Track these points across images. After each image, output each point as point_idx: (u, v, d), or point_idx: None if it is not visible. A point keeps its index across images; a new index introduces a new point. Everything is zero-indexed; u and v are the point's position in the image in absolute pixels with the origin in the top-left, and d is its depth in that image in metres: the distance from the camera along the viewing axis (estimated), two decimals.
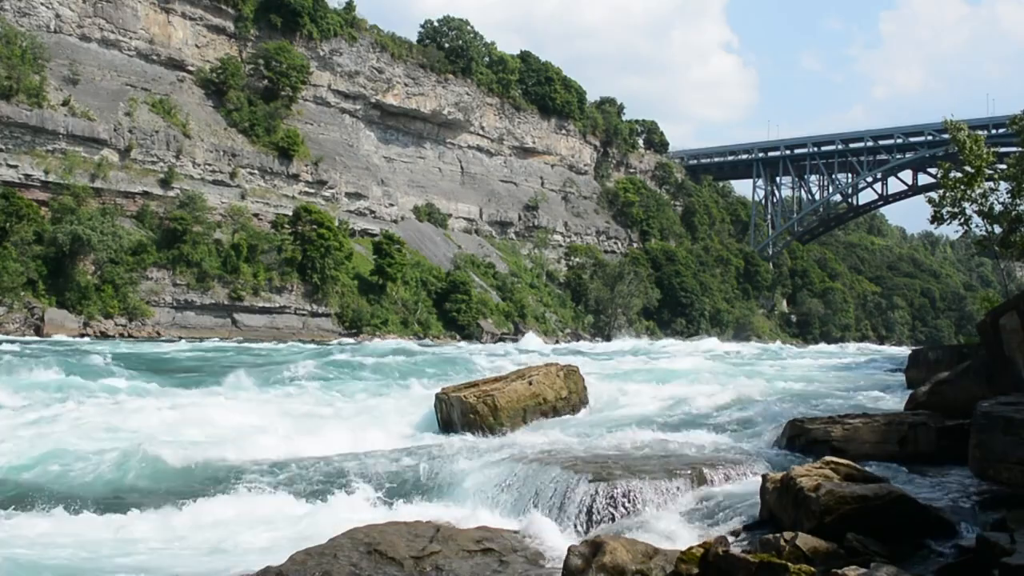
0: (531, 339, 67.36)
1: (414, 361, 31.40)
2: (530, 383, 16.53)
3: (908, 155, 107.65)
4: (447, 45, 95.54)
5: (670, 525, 8.63)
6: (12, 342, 38.86)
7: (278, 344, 50.75)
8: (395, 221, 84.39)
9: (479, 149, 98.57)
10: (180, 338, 54.08)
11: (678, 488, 9.58)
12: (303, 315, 67.23)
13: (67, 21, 64.66)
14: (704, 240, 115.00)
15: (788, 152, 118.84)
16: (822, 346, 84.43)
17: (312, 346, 49.66)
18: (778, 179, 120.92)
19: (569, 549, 7.33)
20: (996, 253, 28.41)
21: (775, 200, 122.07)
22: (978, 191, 26.39)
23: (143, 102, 66.26)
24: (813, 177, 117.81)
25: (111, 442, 13.99)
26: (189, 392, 20.76)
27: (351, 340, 62.19)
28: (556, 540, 8.75)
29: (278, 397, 20.79)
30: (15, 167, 55.63)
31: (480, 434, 15.12)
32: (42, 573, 8.04)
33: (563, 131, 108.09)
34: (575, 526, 9.19)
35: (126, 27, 68.28)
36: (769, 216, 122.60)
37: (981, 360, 13.01)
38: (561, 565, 7.33)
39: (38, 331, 49.77)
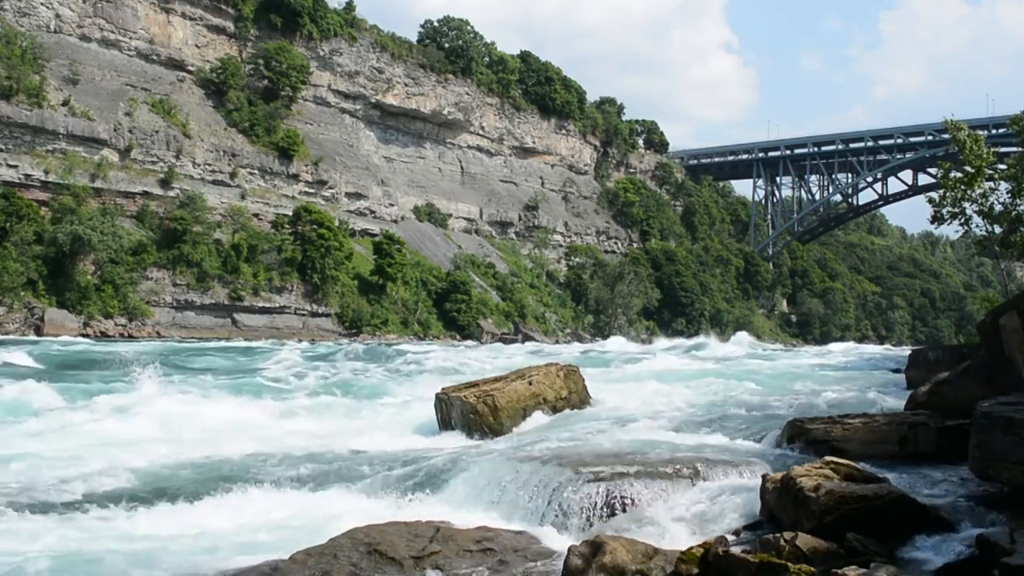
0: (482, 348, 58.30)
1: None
2: (530, 383, 16.52)
3: (908, 155, 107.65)
4: (447, 45, 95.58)
5: (670, 525, 8.62)
6: (12, 343, 38.87)
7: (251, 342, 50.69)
8: (395, 221, 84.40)
9: (479, 149, 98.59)
10: (182, 338, 54.18)
11: (678, 488, 9.57)
12: (303, 315, 67.25)
13: (67, 21, 64.67)
14: (704, 240, 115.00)
15: (788, 152, 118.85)
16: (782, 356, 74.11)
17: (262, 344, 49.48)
18: (778, 179, 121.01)
19: (569, 549, 7.33)
20: (996, 253, 28.42)
21: (775, 200, 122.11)
22: (978, 191, 26.38)
23: (143, 102, 66.27)
24: (813, 177, 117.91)
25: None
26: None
27: (347, 340, 62.19)
28: (556, 540, 8.75)
29: (270, 396, 20.76)
30: (15, 167, 55.65)
31: (480, 434, 15.11)
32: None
33: (563, 131, 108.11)
34: (575, 526, 9.18)
35: (126, 27, 68.30)
36: (769, 216, 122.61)
37: (981, 360, 13.01)
38: (561, 565, 7.33)
39: (38, 331, 49.79)
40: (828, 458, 8.74)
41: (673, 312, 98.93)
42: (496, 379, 17.03)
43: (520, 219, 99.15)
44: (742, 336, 70.30)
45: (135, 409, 17.66)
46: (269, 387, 23.20)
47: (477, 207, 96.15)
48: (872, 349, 70.40)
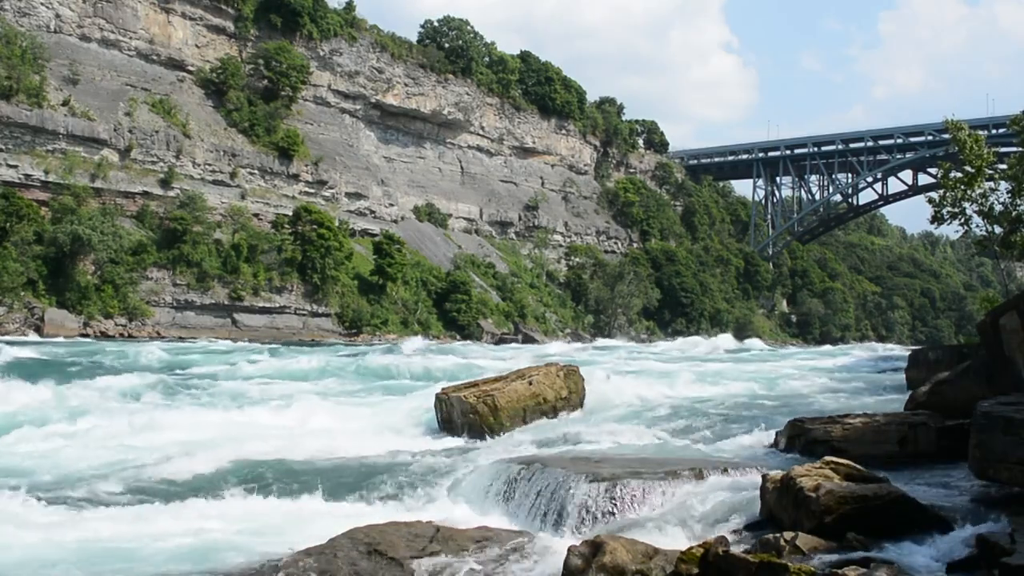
0: (414, 342, 52.37)
1: None
2: (530, 383, 16.53)
3: (908, 155, 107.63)
4: (447, 45, 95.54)
5: (670, 525, 8.62)
6: (12, 343, 38.83)
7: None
8: (395, 221, 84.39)
9: (479, 149, 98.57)
10: (180, 338, 54.18)
11: (678, 488, 9.57)
12: (303, 315, 67.25)
13: (67, 21, 64.65)
14: (704, 240, 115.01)
15: (788, 152, 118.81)
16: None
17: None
18: (778, 179, 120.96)
19: (569, 549, 7.33)
20: (996, 253, 28.39)
21: (775, 200, 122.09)
22: (978, 191, 26.34)
23: (143, 102, 66.25)
24: (813, 177, 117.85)
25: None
26: None
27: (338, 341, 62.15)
28: (556, 540, 8.75)
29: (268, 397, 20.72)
30: (15, 167, 55.60)
31: (480, 434, 15.11)
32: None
33: (563, 131, 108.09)
34: (575, 526, 9.19)
35: (126, 27, 68.28)
36: (769, 216, 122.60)
37: (981, 360, 13.02)
38: (561, 565, 7.33)
39: (38, 331, 49.76)
40: (828, 458, 8.74)
41: (673, 312, 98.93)
42: (496, 379, 17.04)
43: (520, 219, 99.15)
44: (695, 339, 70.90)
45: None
46: (267, 388, 23.18)
47: (477, 207, 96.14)
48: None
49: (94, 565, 8.34)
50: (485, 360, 33.18)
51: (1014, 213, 26.33)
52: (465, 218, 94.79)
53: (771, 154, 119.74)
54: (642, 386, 21.23)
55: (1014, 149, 39.54)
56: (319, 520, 9.91)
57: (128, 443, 14.45)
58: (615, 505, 9.27)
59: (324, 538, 8.43)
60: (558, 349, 51.73)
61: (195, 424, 16.35)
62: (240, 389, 22.30)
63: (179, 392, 21.57)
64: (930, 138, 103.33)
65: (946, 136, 50.42)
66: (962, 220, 27.13)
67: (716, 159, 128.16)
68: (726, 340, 66.11)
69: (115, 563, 8.48)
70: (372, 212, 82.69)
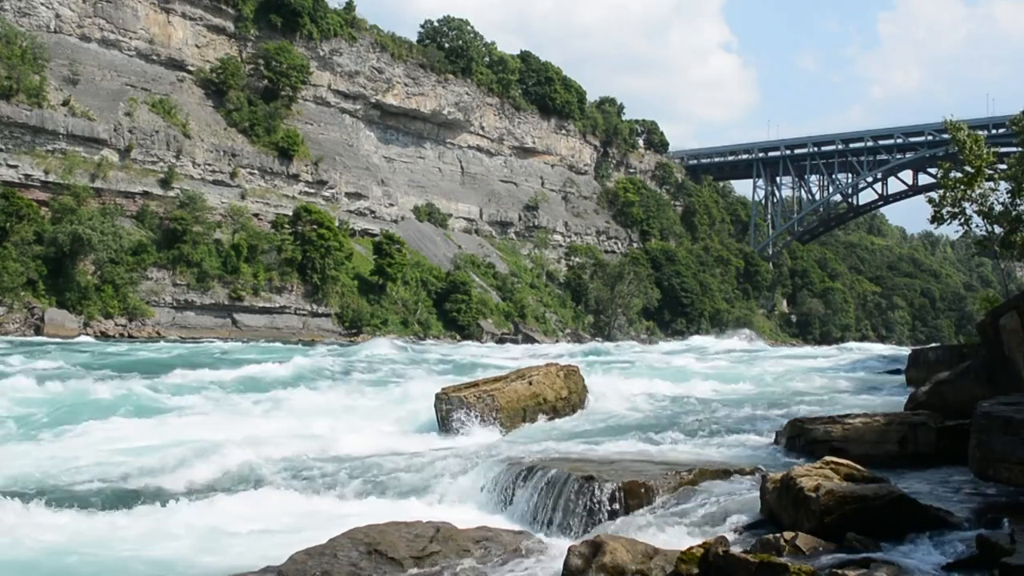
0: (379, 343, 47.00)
1: None
2: (530, 383, 16.52)
3: (908, 155, 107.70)
4: (447, 45, 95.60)
5: (670, 525, 8.62)
6: (12, 343, 38.86)
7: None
8: (395, 221, 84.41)
9: (479, 149, 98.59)
10: (181, 338, 54.18)
11: (678, 488, 9.57)
12: (303, 315, 67.27)
13: (67, 21, 64.67)
14: (704, 240, 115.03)
15: (788, 152, 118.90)
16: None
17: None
18: (778, 179, 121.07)
19: (569, 549, 7.33)
20: (996, 253, 28.32)
21: (775, 200, 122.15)
22: (978, 191, 26.29)
23: (143, 102, 66.27)
24: (813, 177, 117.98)
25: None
26: None
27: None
28: (556, 540, 8.76)
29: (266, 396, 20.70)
30: (15, 167, 55.65)
31: (480, 434, 15.11)
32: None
33: (563, 131, 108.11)
34: (575, 526, 9.19)
35: (126, 27, 68.30)
36: (769, 216, 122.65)
37: (981, 360, 13.04)
38: (561, 565, 7.32)
39: (38, 331, 49.78)
40: (828, 458, 8.73)
41: (673, 312, 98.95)
42: (496, 379, 17.03)
43: (520, 219, 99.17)
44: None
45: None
46: (263, 387, 23.15)
47: (477, 207, 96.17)
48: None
49: (89, 567, 8.33)
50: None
51: (1014, 213, 26.28)
52: (465, 218, 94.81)
53: (771, 154, 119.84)
54: (643, 386, 21.23)
55: (1014, 149, 39.54)
56: (319, 520, 9.91)
57: (126, 446, 14.45)
58: (615, 505, 9.27)
59: (324, 538, 8.43)
60: (510, 355, 42.39)
61: (190, 427, 16.35)
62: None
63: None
64: (930, 138, 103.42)
65: (946, 136, 50.43)
66: (962, 220, 27.07)
67: (716, 159, 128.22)
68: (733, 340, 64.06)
69: (113, 565, 8.47)
70: (372, 212, 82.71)
